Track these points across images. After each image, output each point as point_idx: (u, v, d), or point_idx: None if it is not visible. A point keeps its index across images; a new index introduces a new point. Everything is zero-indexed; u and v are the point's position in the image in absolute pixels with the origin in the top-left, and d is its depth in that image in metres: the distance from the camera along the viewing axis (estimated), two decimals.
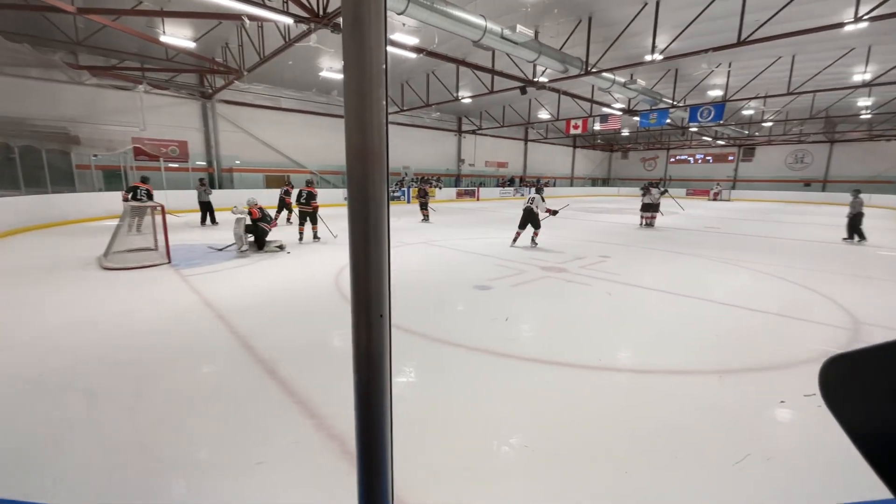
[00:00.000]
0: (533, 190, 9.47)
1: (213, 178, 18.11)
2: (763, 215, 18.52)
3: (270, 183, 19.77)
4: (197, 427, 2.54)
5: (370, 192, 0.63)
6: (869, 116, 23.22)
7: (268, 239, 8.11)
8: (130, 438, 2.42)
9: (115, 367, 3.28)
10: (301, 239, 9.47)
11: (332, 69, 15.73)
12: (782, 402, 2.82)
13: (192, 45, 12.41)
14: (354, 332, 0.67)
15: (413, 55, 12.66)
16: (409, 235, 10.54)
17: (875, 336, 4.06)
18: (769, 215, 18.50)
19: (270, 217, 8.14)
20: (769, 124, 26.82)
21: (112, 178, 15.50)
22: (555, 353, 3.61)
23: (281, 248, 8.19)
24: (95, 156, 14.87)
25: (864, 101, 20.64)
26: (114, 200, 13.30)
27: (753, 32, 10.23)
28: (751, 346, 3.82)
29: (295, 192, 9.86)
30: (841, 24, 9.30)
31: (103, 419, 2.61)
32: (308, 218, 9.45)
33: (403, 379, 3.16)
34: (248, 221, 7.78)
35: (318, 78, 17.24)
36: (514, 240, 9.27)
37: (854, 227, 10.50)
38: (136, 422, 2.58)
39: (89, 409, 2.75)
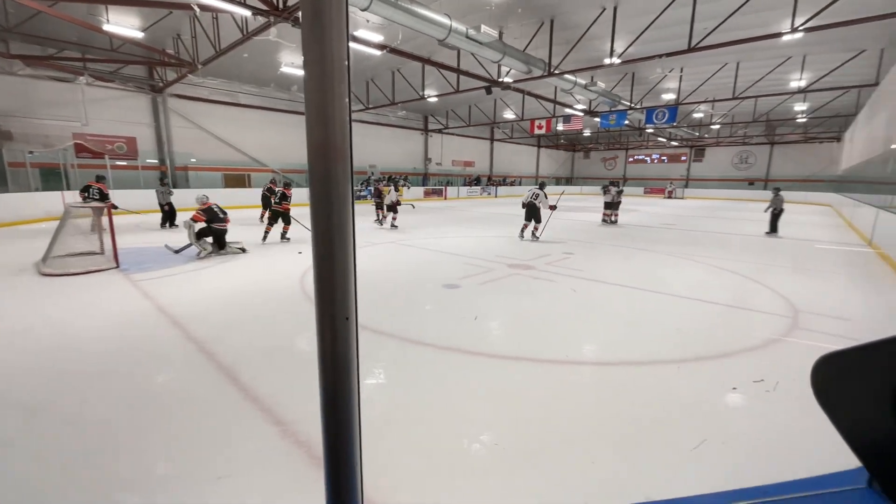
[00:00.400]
0: (536, 187, 10.05)
1: (165, 177, 17.14)
2: (712, 212, 19.68)
3: (229, 182, 18.97)
4: (152, 440, 2.39)
5: (333, 190, 0.61)
6: (804, 120, 25.22)
7: (228, 239, 7.74)
8: (76, 455, 2.24)
9: (56, 380, 3.04)
10: (265, 239, 9.14)
11: (293, 64, 15.27)
12: (734, 388, 3.00)
13: (139, 34, 11.67)
14: (319, 336, 0.65)
15: (378, 52, 12.50)
16: (376, 235, 10.41)
17: (811, 322, 4.41)
18: (717, 212, 19.67)
19: (223, 213, 7.61)
20: (717, 127, 28.56)
21: (51, 177, 14.33)
22: (523, 350, 3.68)
23: (243, 250, 7.86)
24: (31, 152, 13.68)
25: (799, 106, 22.36)
26: (53, 201, 12.31)
27: (702, 40, 10.84)
28: (706, 336, 4.05)
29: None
30: (779, 34, 10.04)
31: (46, 435, 2.41)
32: (280, 218, 9.24)
33: (373, 381, 3.12)
34: (196, 230, 7.31)
35: (279, 73, 16.67)
36: (522, 231, 10.01)
37: (774, 222, 11.48)
38: (83, 438, 2.40)
39: (28, 424, 2.52)
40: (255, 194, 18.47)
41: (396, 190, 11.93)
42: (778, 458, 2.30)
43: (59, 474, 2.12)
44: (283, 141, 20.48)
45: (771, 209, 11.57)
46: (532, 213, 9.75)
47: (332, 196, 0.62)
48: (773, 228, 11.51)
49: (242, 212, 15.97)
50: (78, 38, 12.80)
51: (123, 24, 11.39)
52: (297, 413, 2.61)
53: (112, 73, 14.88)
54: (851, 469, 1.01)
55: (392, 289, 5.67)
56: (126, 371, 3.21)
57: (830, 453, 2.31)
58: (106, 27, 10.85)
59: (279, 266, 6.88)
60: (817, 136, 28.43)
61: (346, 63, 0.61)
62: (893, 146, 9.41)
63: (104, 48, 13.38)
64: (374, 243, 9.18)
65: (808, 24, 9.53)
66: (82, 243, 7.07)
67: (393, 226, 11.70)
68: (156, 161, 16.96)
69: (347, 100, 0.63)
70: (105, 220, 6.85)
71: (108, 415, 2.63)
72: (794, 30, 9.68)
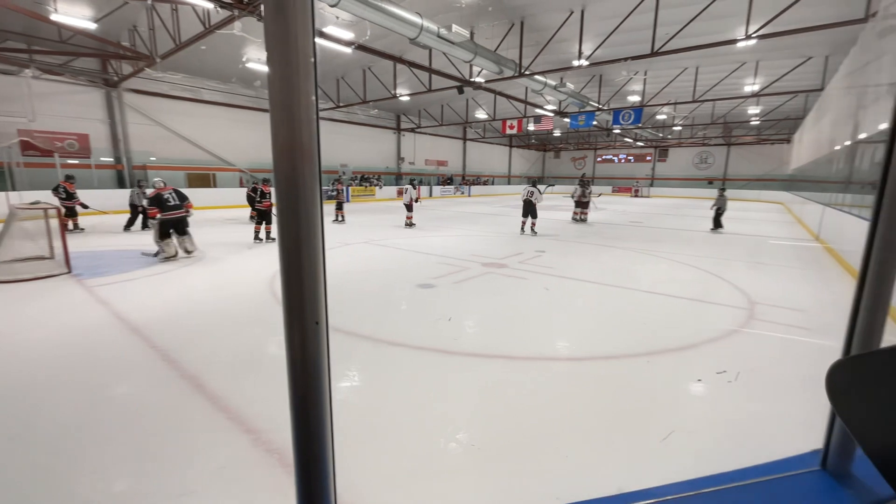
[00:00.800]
0: (530, 185, 10.98)
1: (122, 176, 16.25)
2: (675, 210, 20.52)
3: (193, 181, 18.20)
4: (112, 456, 2.26)
5: (301, 190, 0.59)
6: (758, 122, 26.71)
7: (189, 230, 7.24)
8: (24, 474, 2.09)
9: (1, 395, 2.82)
10: (256, 238, 9.11)
11: (259, 60, 14.80)
12: (699, 380, 3.14)
13: (91, 25, 10.99)
14: (288, 342, 0.63)
15: (348, 50, 12.30)
16: (350, 235, 10.25)
17: (767, 313, 4.66)
18: (680, 210, 20.53)
19: (176, 198, 7.04)
20: (679, 128, 29.79)
21: None
22: (498, 348, 3.71)
23: (187, 251, 7.26)
24: None
25: (753, 109, 23.66)
26: None
27: (664, 45, 11.28)
28: (671, 329, 4.21)
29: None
30: (734, 41, 10.58)
31: None
32: (262, 216, 9.15)
33: (347, 384, 3.07)
34: (159, 228, 6.89)
35: (245, 69, 16.12)
36: (522, 227, 10.95)
37: (717, 219, 12.10)
38: (32, 455, 2.23)
39: None
40: (221, 194, 17.87)
41: (414, 188, 12.43)
42: (740, 445, 2.41)
43: (2, 495, 1.97)
44: (250, 139, 19.83)
45: (716, 207, 12.12)
46: (529, 209, 10.64)
47: (299, 196, 0.60)
48: (717, 225, 12.09)
49: (208, 212, 15.37)
50: (23, 28, 11.94)
51: (73, 14, 10.67)
52: (269, 421, 2.53)
53: (62, 66, 13.95)
54: (806, 452, 1.08)
55: (366, 289, 5.59)
56: (80, 383, 3.02)
57: (788, 438, 2.46)
58: (54, 17, 10.16)
59: (248, 268, 6.66)
60: (769, 138, 30.18)
61: (313, 59, 0.59)
62: (837, 147, 10.09)
63: (52, 39, 12.53)
64: (347, 243, 9.03)
65: (761, 32, 10.09)
66: (30, 247, 6.60)
67: (410, 224, 12.02)
68: (111, 160, 16.05)
69: (314, 97, 0.60)
70: (58, 222, 6.42)
71: (61, 431, 2.46)
72: (747, 37, 10.22)
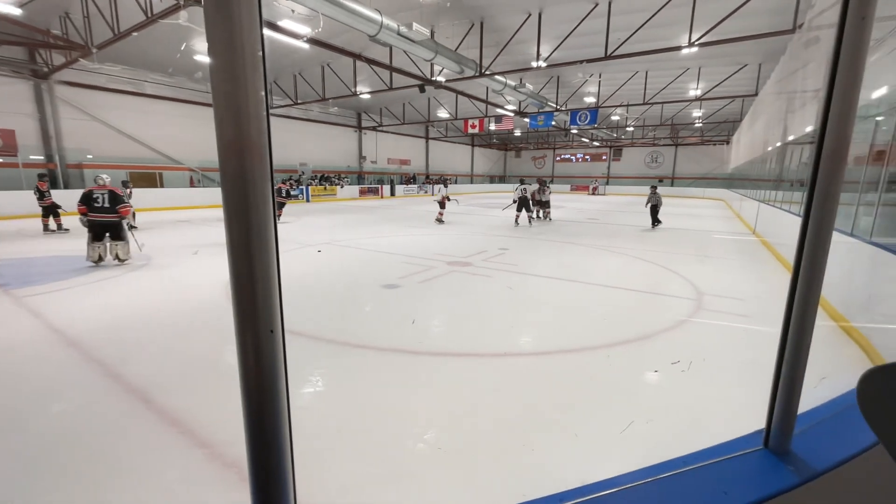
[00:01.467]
0: (520, 181, 12.69)
1: (55, 175, 14.91)
2: (629, 207, 21.54)
3: (137, 181, 17.00)
4: (48, 483, 2.05)
5: (250, 190, 0.56)
6: (701, 125, 28.56)
7: (133, 224, 6.66)
8: None
9: None
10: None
11: (206, 52, 14.04)
12: (656, 371, 3.30)
13: (15, 11, 9.95)
14: (241, 353, 0.59)
15: (306, 45, 11.92)
16: (309, 236, 9.96)
17: (713, 303, 4.99)
18: (633, 207, 21.57)
19: (107, 200, 6.39)
20: (631, 129, 31.28)
21: None
22: (464, 346, 3.73)
23: (118, 258, 6.58)
24: None
25: (697, 112, 25.28)
26: None
27: (616, 49, 11.81)
28: (628, 321, 4.41)
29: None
30: (679, 48, 11.25)
31: None
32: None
33: (310, 389, 2.97)
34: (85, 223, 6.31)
35: (193, 61, 15.25)
36: (516, 220, 12.55)
37: (654, 215, 12.71)
38: None
39: None
40: (169, 195, 16.81)
41: (445, 186, 13.86)
42: (694, 430, 2.56)
43: None
44: (201, 136, 18.80)
45: (650, 205, 12.68)
46: (524, 203, 12.21)
47: (248, 197, 0.56)
48: (655, 220, 12.60)
49: (156, 214, 14.41)
50: None
51: None
52: (226, 433, 2.41)
53: None
54: (749, 433, 1.16)
55: (329, 292, 5.45)
56: (7, 407, 2.73)
57: (735, 419, 2.63)
58: None
59: (200, 273, 6.30)
60: (711, 139, 32.39)
61: (261, 53, 0.56)
62: (770, 148, 10.96)
63: None
64: (308, 245, 8.77)
65: (702, 40, 10.79)
66: None
67: (440, 221, 12.86)
68: (41, 158, 14.68)
69: (264, 92, 0.57)
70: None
71: None
72: (690, 44, 10.90)
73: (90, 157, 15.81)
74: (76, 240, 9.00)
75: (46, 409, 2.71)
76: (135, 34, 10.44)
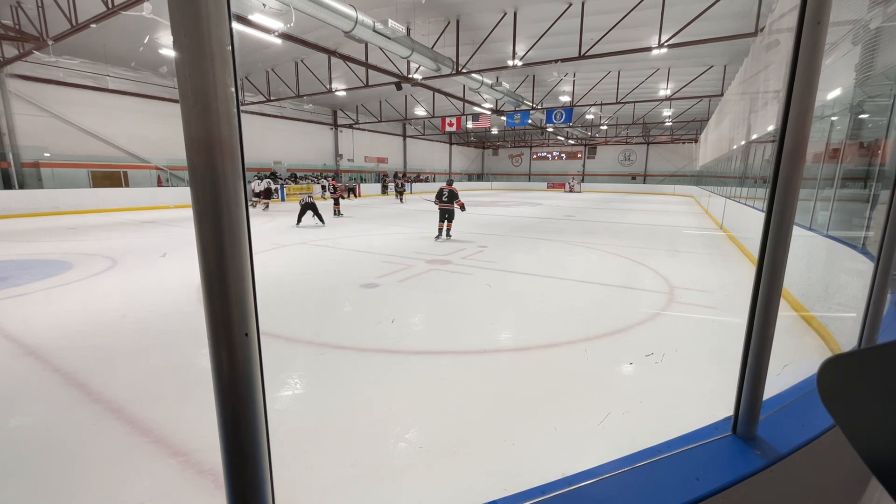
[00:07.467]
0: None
1: (8, 175, 14.07)
2: (604, 204, 22.03)
3: (98, 181, 16.22)
4: (13, 501, 1.94)
5: (221, 189, 0.54)
6: (670, 123, 29.49)
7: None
8: None
9: None
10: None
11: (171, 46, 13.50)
12: (631, 363, 3.39)
13: None
14: (214, 358, 0.57)
15: (278, 41, 11.63)
16: (285, 236, 9.75)
17: (683, 296, 5.17)
18: (608, 204, 22.08)
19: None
20: (605, 127, 32.00)
21: None
22: (443, 344, 3.73)
23: None
24: None
25: (667, 112, 26.08)
26: None
27: (590, 49, 12.04)
28: (603, 315, 4.52)
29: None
30: (649, 49, 11.58)
31: None
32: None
33: (289, 392, 2.91)
34: None
35: (159, 55, 14.64)
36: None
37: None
38: None
39: None
40: (134, 195, 16.10)
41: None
42: (667, 419, 2.65)
43: None
44: (168, 133, 18.09)
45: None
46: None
47: (220, 196, 0.54)
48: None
49: (120, 215, 13.79)
50: None
51: None
52: (200, 440, 2.33)
53: None
54: (718, 420, 1.21)
55: (306, 292, 5.35)
56: None
57: (705, 407, 2.74)
58: None
59: (169, 274, 6.07)
60: (681, 138, 33.49)
61: (230, 47, 0.54)
62: (735, 147, 11.42)
63: None
64: (284, 245, 8.58)
65: (671, 42, 11.13)
66: None
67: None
68: None
69: (234, 88, 0.55)
70: None
71: None
72: (660, 45, 11.23)
73: (48, 155, 14.98)
74: (33, 243, 8.54)
75: (6, 423, 2.56)
76: (94, 26, 9.92)
